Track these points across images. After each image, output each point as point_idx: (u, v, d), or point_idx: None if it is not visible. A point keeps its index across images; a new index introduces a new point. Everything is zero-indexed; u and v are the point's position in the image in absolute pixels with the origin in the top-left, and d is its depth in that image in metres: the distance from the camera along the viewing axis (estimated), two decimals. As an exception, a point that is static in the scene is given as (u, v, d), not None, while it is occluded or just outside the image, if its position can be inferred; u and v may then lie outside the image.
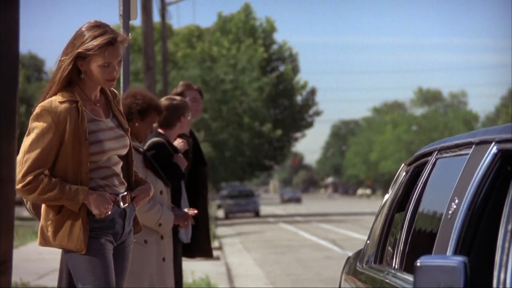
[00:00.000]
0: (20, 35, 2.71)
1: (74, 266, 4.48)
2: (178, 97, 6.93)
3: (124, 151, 4.58)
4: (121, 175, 4.58)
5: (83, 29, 4.46)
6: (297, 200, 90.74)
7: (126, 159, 4.63)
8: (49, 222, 4.42)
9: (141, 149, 6.00)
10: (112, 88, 4.65)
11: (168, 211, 6.10)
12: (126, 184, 4.60)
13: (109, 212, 4.44)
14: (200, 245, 7.09)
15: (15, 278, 11.78)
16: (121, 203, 4.52)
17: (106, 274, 4.46)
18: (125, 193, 4.55)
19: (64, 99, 4.40)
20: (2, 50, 2.66)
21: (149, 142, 6.51)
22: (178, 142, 6.89)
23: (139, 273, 5.90)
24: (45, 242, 4.45)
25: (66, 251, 4.49)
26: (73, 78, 4.47)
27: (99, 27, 4.45)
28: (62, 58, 4.45)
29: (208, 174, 7.27)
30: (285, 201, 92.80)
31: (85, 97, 4.50)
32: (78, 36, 4.45)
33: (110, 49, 4.41)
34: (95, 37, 4.41)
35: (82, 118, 4.40)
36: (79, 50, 4.40)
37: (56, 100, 4.38)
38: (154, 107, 6.07)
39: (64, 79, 4.44)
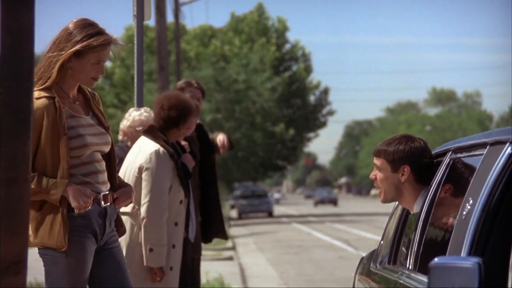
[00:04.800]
0: (35, 35, 2.71)
1: (50, 266, 4.42)
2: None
3: (106, 149, 4.57)
4: (105, 174, 4.55)
5: (73, 26, 4.49)
6: (333, 202, 74.18)
7: (109, 158, 4.61)
8: (30, 220, 4.39)
9: (174, 156, 5.91)
10: (91, 90, 4.69)
11: (164, 253, 5.78)
12: (109, 184, 4.57)
13: (89, 207, 4.40)
14: (213, 227, 7.16)
15: (30, 278, 11.80)
16: (102, 202, 4.48)
17: (80, 281, 4.42)
18: (107, 192, 4.53)
19: (41, 95, 4.40)
20: (17, 51, 2.67)
21: None
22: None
23: (139, 274, 5.78)
24: None
25: (44, 249, 4.41)
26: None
27: (93, 26, 4.51)
28: (53, 54, 4.45)
29: (214, 161, 7.29)
30: (318, 202, 76.46)
31: (64, 94, 4.51)
32: (70, 34, 4.47)
33: (107, 49, 4.50)
34: (93, 36, 4.45)
35: (60, 113, 4.40)
36: (78, 46, 4.42)
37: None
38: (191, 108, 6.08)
39: (59, 73, 4.45)
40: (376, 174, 4.27)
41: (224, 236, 7.31)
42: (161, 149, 5.85)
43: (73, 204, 4.37)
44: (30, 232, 4.38)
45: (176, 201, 5.96)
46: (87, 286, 4.53)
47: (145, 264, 5.78)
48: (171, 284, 5.96)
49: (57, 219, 4.36)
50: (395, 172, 4.19)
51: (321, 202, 76.05)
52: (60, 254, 4.38)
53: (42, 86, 4.44)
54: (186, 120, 6.00)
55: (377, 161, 4.26)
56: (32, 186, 4.31)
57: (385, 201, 4.29)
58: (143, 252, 5.79)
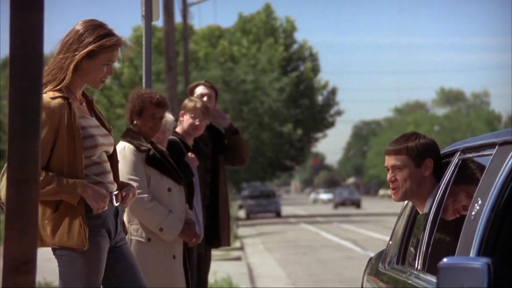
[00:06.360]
0: (44, 35, 2.72)
1: (65, 266, 4.42)
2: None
3: (110, 149, 4.63)
4: (111, 174, 4.60)
5: (83, 28, 4.51)
6: (355, 203, 65.50)
7: (111, 159, 4.66)
8: (46, 221, 4.38)
9: (142, 148, 5.93)
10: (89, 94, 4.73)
11: (175, 219, 5.94)
12: (115, 184, 4.62)
13: (106, 207, 4.45)
14: (218, 235, 7.08)
15: (39, 277, 11.82)
16: (114, 201, 4.54)
17: (95, 281, 4.44)
18: (117, 191, 4.58)
19: (56, 96, 4.42)
20: (26, 51, 2.68)
21: None
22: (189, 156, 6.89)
23: (144, 270, 5.81)
24: (41, 242, 4.35)
25: (60, 250, 4.41)
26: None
27: (103, 27, 4.55)
28: (66, 55, 4.47)
29: (219, 162, 7.26)
30: (339, 204, 66.80)
31: (72, 96, 4.53)
32: (82, 35, 4.49)
33: (117, 49, 4.54)
34: (104, 36, 4.50)
35: (74, 114, 4.43)
36: (91, 47, 4.45)
37: (47, 96, 4.40)
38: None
39: (74, 74, 4.47)
40: (395, 174, 4.20)
41: (228, 244, 7.22)
42: (127, 145, 5.93)
43: (93, 205, 4.40)
44: (48, 232, 4.38)
45: (163, 189, 5.97)
46: (101, 286, 4.56)
47: (167, 241, 5.90)
48: (178, 273, 5.96)
49: (75, 219, 4.38)
50: (418, 167, 4.16)
51: (342, 204, 66.42)
52: (77, 254, 4.39)
53: (55, 88, 4.46)
54: (146, 107, 5.94)
55: (396, 160, 4.19)
56: (53, 186, 4.33)
57: (402, 198, 4.22)
58: (160, 237, 5.88)
